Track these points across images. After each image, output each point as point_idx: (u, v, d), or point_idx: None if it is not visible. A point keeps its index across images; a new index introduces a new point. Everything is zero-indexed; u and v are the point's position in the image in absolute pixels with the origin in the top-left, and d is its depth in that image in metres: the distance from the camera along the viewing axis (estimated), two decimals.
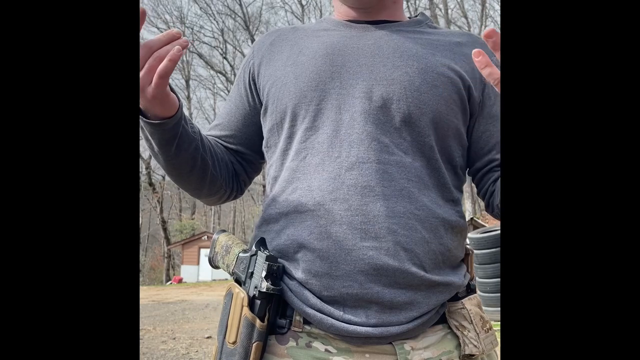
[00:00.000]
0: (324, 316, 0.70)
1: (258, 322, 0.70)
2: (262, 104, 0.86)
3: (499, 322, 0.62)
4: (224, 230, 0.85)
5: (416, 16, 0.91)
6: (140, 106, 0.70)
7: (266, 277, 0.71)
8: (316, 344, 0.72)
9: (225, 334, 0.72)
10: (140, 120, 0.72)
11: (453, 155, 0.80)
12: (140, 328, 5.62)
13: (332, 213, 0.71)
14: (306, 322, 0.73)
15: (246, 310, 0.70)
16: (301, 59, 0.81)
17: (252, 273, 0.73)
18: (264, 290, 0.70)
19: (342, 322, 0.70)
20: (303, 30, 0.88)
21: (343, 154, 0.74)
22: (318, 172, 0.74)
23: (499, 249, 4.84)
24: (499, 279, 4.64)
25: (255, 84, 0.87)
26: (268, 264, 0.71)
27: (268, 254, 0.73)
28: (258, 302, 0.71)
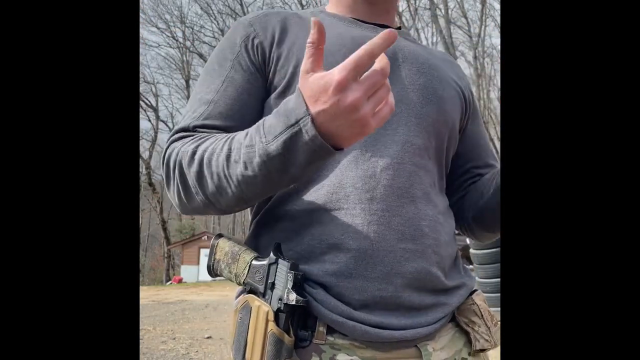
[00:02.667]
0: (356, 324, 0.66)
1: (286, 337, 0.64)
2: (270, 85, 0.77)
3: (499, 322, 0.61)
4: (221, 235, 0.77)
5: (398, 28, 0.89)
6: (330, 130, 0.53)
7: (293, 288, 0.65)
8: (340, 357, 0.67)
9: (244, 353, 0.65)
10: (320, 149, 0.54)
11: (448, 162, 0.84)
12: (140, 328, 5.62)
13: (370, 212, 0.69)
14: (329, 332, 0.68)
15: (272, 325, 0.64)
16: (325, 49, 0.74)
17: (273, 283, 0.67)
18: (293, 302, 0.64)
19: (375, 327, 0.67)
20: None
21: (377, 153, 0.71)
22: (350, 170, 0.70)
23: (499, 249, 4.84)
24: (499, 279, 4.64)
25: (265, 64, 0.77)
26: (294, 274, 0.65)
27: (291, 262, 0.67)
28: (283, 315, 0.65)
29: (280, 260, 0.67)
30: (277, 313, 0.65)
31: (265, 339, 0.64)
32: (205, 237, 24.35)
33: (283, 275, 0.66)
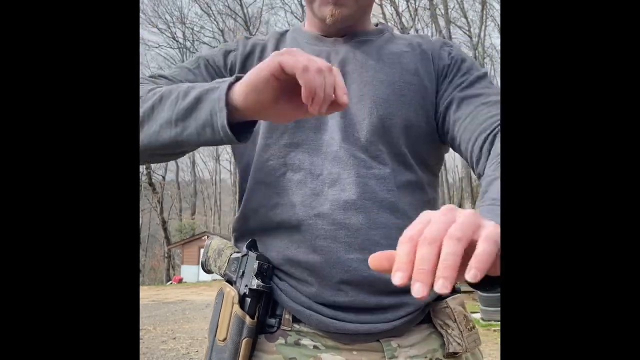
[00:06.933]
0: (312, 313, 0.73)
1: (248, 318, 0.72)
2: None
3: (499, 322, 0.62)
4: (215, 237, 0.89)
5: (376, 25, 0.93)
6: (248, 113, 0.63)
7: (256, 275, 0.74)
8: (305, 341, 0.74)
9: (215, 332, 0.74)
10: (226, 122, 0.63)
11: (426, 157, 0.83)
12: (140, 328, 5.61)
13: (317, 228, 0.74)
14: (295, 320, 0.75)
15: (236, 307, 0.73)
16: None
17: (243, 272, 0.76)
18: (254, 287, 0.73)
19: (331, 318, 0.73)
20: (278, 43, 0.89)
21: (324, 171, 0.76)
22: (300, 189, 0.77)
23: None
24: None
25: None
26: (259, 263, 0.74)
27: (259, 253, 0.76)
28: (248, 299, 0.73)
29: (250, 253, 0.77)
30: (243, 297, 0.74)
31: (230, 319, 0.73)
32: (206, 237, 24.33)
33: (251, 264, 0.75)
